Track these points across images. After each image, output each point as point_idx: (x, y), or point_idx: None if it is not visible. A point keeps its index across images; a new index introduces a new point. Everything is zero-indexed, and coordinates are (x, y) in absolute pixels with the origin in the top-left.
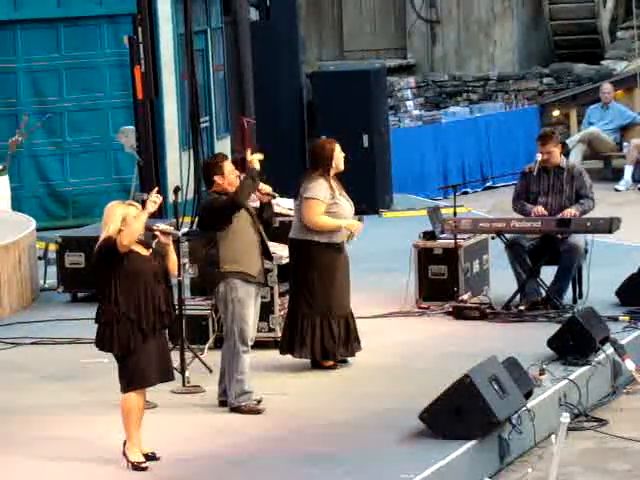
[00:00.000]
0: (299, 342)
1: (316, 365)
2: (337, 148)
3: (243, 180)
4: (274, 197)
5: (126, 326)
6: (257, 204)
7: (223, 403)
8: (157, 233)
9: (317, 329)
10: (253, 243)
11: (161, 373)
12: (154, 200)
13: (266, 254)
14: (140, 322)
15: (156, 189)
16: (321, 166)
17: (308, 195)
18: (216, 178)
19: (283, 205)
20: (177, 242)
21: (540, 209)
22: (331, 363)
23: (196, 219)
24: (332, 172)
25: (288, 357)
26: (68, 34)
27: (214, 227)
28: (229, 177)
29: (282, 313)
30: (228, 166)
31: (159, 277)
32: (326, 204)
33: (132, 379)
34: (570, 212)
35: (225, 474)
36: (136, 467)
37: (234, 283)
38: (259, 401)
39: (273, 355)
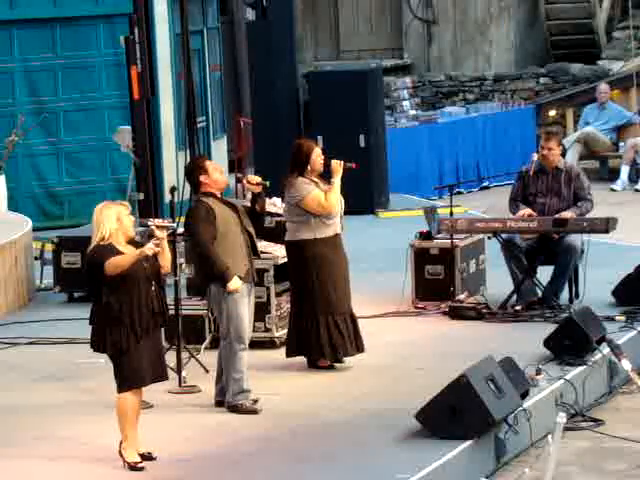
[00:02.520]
0: (307, 343)
1: (313, 365)
2: (316, 151)
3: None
4: (266, 186)
5: (119, 328)
6: (248, 203)
7: (220, 403)
8: (153, 228)
9: (322, 328)
10: (239, 243)
11: (155, 373)
12: (151, 247)
13: (254, 252)
14: (133, 324)
15: (156, 243)
16: (297, 168)
17: (299, 198)
18: (202, 178)
19: (280, 205)
20: (173, 242)
21: (526, 212)
22: (328, 363)
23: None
24: (310, 175)
25: (285, 357)
26: (64, 34)
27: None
28: (213, 175)
29: (278, 313)
30: (210, 165)
31: (151, 279)
32: (315, 190)
33: (127, 379)
34: (566, 215)
35: (223, 474)
36: (132, 467)
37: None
38: (255, 401)
39: (270, 355)
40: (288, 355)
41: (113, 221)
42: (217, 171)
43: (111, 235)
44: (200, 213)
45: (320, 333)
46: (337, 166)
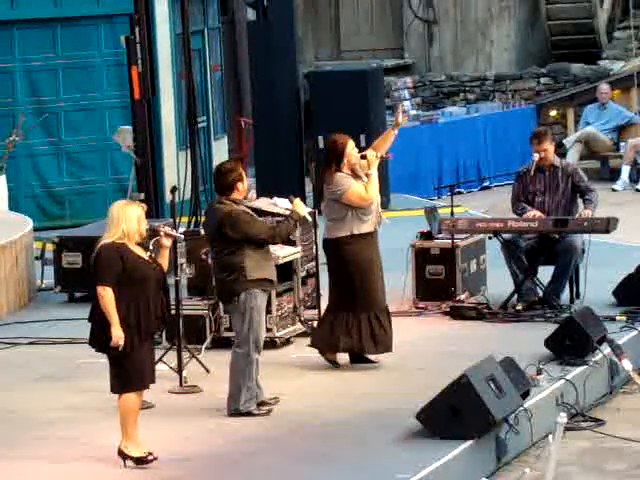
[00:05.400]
0: (350, 337)
1: (358, 359)
2: (350, 144)
3: (287, 223)
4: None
5: (123, 329)
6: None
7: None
8: (162, 234)
9: (364, 322)
10: (270, 249)
11: (152, 374)
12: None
13: None
14: (139, 327)
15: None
16: (334, 162)
17: (340, 193)
18: (239, 185)
19: (281, 205)
20: (174, 242)
21: (535, 214)
22: (375, 358)
23: (215, 226)
24: (345, 168)
25: (285, 357)
26: (65, 34)
27: (238, 240)
28: (245, 184)
29: (279, 313)
30: (243, 172)
31: (161, 284)
32: (356, 184)
33: (131, 380)
34: (587, 213)
35: (224, 474)
36: (140, 461)
37: (255, 292)
38: (276, 398)
39: (271, 355)
40: (315, 346)
41: (134, 221)
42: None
43: (132, 234)
44: (246, 217)
45: (362, 330)
46: (373, 158)
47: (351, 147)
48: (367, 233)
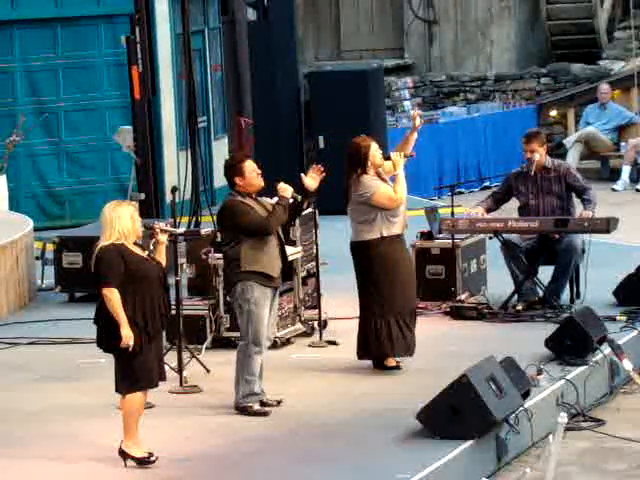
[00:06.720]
0: (376, 343)
1: (379, 366)
2: (373, 146)
3: (276, 210)
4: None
5: (132, 329)
6: (291, 200)
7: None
8: (157, 231)
9: (394, 327)
10: (273, 244)
11: (160, 374)
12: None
13: (282, 256)
14: (147, 326)
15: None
16: (358, 167)
17: (368, 195)
18: (237, 180)
19: None
20: (174, 242)
21: (477, 211)
22: (394, 363)
23: (215, 217)
24: (370, 171)
25: (286, 357)
26: (65, 34)
27: (236, 231)
28: (249, 178)
29: (279, 313)
30: (249, 166)
31: (162, 282)
32: (384, 186)
33: (138, 379)
34: (587, 214)
35: (224, 474)
36: (142, 462)
37: (250, 285)
38: (279, 402)
39: (271, 355)
40: (360, 357)
41: (128, 220)
42: (254, 173)
43: (128, 233)
44: (242, 208)
45: (392, 332)
46: (398, 158)
47: (375, 148)
48: (396, 235)
